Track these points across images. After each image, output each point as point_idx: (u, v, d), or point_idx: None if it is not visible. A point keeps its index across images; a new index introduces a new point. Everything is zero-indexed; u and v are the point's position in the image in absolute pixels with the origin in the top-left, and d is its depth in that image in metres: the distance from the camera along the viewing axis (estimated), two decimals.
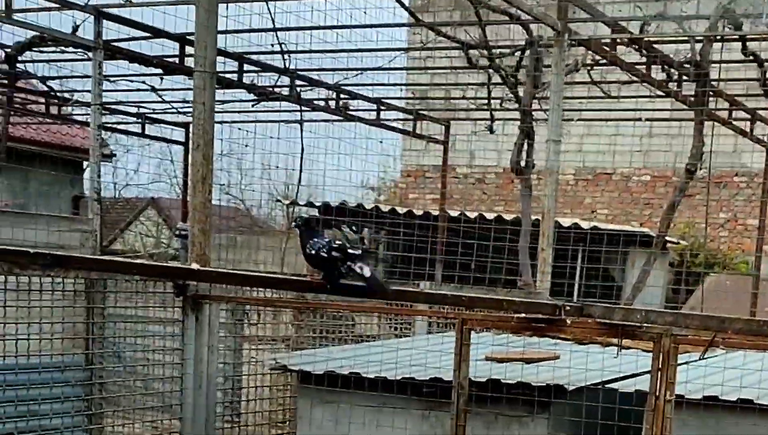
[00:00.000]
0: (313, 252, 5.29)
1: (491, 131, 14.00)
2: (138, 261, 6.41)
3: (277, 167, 13.26)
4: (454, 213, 15.33)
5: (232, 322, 8.53)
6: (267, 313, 9.05)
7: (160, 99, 14.04)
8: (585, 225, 14.61)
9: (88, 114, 13.11)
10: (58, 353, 6.67)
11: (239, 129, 14.05)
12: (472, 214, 15.36)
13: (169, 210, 28.96)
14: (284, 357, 7.07)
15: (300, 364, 6.61)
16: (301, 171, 12.00)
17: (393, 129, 15.42)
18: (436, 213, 15.02)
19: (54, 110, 15.26)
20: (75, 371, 6.91)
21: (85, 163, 19.89)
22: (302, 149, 11.90)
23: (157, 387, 7.58)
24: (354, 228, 17.58)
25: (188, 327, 6.57)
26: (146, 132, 16.50)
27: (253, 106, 13.10)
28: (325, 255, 5.28)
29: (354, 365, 6.21)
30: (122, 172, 28.72)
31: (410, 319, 10.18)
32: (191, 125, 8.13)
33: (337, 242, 5.44)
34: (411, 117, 15.34)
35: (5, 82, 13.08)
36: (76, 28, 9.89)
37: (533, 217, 10.17)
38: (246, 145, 13.36)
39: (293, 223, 6.55)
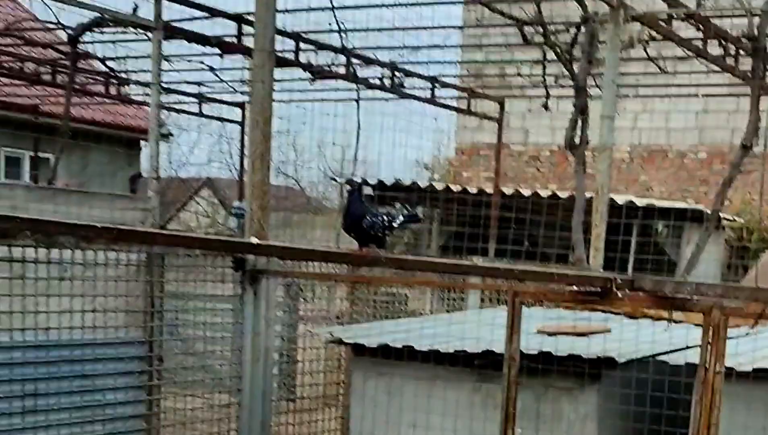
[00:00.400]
0: (372, 232, 5.61)
1: (546, 108, 13.97)
2: (199, 235, 6.58)
3: (333, 144, 13.41)
4: (508, 191, 15.35)
5: (287, 299, 8.66)
6: (321, 290, 9.18)
7: (217, 78, 14.24)
8: (640, 202, 14.56)
9: (147, 94, 13.36)
10: (117, 328, 6.80)
11: (296, 106, 14.19)
12: (526, 192, 15.37)
13: (225, 190, 29.34)
14: (339, 330, 7.21)
15: (354, 337, 6.74)
16: (357, 148, 12.15)
17: (447, 107, 15.48)
18: (491, 191, 15.05)
19: (113, 90, 15.52)
20: (134, 347, 7.06)
21: (142, 143, 20.18)
22: (358, 127, 12.04)
23: (214, 363, 7.71)
24: (408, 206, 17.68)
25: (246, 301, 6.74)
26: (203, 112, 16.72)
27: (311, 84, 13.23)
28: (381, 235, 5.62)
29: (407, 338, 6.32)
30: (178, 152, 29.06)
31: (463, 296, 10.28)
32: (249, 104, 8.31)
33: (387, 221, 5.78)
34: (465, 95, 15.37)
35: (67, 62, 13.35)
36: (136, 8, 10.08)
37: (587, 194, 10.18)
38: (303, 123, 13.52)
39: (348, 184, 6.71)
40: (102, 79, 15.09)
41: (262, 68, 6.67)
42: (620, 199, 13.88)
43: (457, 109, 16.19)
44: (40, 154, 17.01)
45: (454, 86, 15.30)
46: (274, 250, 6.30)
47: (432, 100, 14.32)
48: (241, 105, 16.09)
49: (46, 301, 5.96)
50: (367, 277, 7.66)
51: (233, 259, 6.69)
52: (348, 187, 6.70)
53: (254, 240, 6.41)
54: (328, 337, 7.04)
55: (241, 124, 16.43)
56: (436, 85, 14.18)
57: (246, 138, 14.78)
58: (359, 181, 6.69)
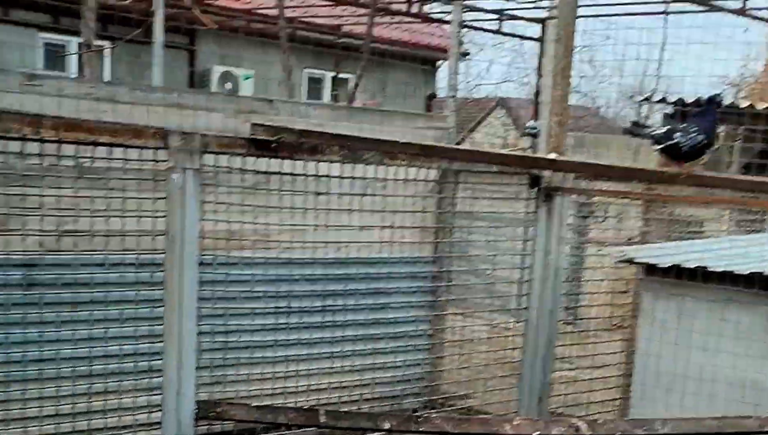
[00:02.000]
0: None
1: None
2: (498, 151, 6.65)
3: (637, 59, 13.08)
4: None
5: (578, 219, 8.62)
6: (614, 210, 9.01)
7: None
8: None
9: (447, 12, 13.47)
10: (410, 245, 6.96)
11: (599, 21, 13.87)
12: None
13: (518, 110, 29.34)
14: (630, 249, 7.15)
15: (646, 257, 6.68)
16: (660, 63, 11.77)
17: (760, 18, 14.54)
18: None
19: (414, 9, 15.69)
20: (425, 265, 7.27)
21: (439, 63, 20.38)
22: (664, 41, 11.63)
23: (500, 285, 7.75)
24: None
25: (539, 219, 6.82)
26: (502, 29, 16.62)
27: None
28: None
29: (701, 259, 6.19)
30: (474, 71, 29.27)
31: (765, 218, 9.85)
32: (549, 21, 8.26)
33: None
34: None
35: None
36: None
37: None
38: (607, 38, 13.25)
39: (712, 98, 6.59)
40: None
41: None
42: None
43: None
44: (341, 75, 17.65)
45: None
46: (572, 166, 6.32)
47: (743, 11, 13.50)
48: (541, 21, 15.86)
49: (347, 217, 6.14)
50: (663, 195, 7.48)
51: (529, 176, 6.77)
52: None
53: (552, 155, 6.46)
54: (619, 256, 7.01)
55: (540, 41, 16.21)
56: None
57: (544, 56, 14.64)
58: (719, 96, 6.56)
